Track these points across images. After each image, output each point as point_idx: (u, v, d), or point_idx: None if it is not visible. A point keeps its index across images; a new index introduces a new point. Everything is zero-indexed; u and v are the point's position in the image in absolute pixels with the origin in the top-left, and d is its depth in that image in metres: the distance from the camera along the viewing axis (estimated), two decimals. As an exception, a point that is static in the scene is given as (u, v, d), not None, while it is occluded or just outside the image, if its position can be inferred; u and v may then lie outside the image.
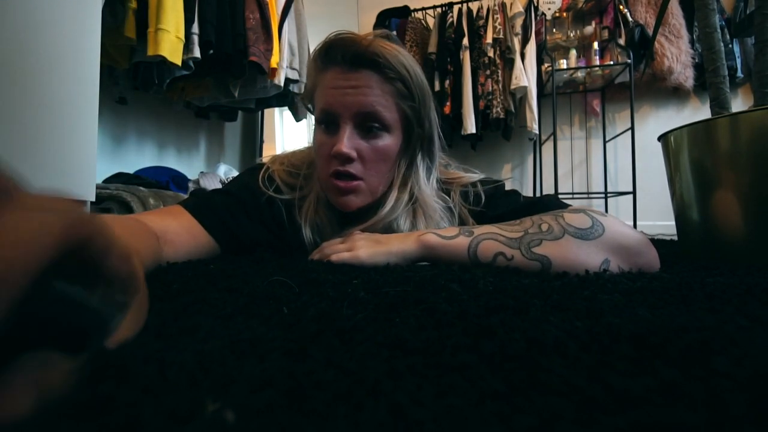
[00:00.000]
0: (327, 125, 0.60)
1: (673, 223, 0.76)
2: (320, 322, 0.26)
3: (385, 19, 2.83)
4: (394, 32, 2.70)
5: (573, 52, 2.60)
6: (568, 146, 2.80)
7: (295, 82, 2.11)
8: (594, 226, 0.49)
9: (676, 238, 0.81)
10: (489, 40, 2.54)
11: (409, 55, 0.61)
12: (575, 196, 2.70)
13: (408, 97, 0.60)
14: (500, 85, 2.53)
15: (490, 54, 2.55)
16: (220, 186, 0.67)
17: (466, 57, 2.59)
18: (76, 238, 0.16)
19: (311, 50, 2.33)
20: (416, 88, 0.60)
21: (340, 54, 0.58)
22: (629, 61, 2.39)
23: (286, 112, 2.58)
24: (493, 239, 0.50)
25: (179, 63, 1.45)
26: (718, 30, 0.79)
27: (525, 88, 2.47)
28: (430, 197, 0.64)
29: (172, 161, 2.15)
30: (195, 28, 1.53)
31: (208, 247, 0.56)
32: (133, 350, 0.21)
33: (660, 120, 2.61)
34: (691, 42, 2.44)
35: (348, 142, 0.57)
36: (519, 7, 2.59)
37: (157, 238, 0.45)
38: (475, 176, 0.70)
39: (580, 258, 0.47)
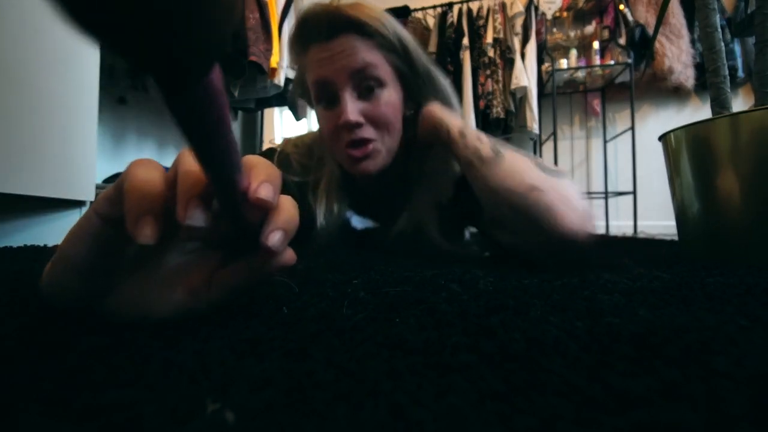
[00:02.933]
0: (327, 101, 0.59)
1: (673, 223, 0.76)
2: (320, 322, 0.26)
3: (385, 18, 2.83)
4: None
5: (573, 52, 2.60)
6: (569, 146, 2.80)
7: (296, 82, 2.10)
8: (552, 174, 0.50)
9: (676, 238, 0.81)
10: (489, 39, 2.54)
11: (376, 7, 0.60)
12: (575, 195, 2.70)
13: (391, 47, 0.59)
14: (500, 85, 2.53)
15: (490, 54, 2.55)
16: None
17: (466, 57, 2.59)
18: None
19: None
20: (394, 34, 0.59)
21: (314, 30, 0.57)
22: (629, 61, 2.39)
23: (286, 112, 2.58)
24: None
25: (179, 63, 1.45)
26: (719, 30, 0.79)
27: (525, 88, 2.46)
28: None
29: (172, 161, 2.15)
30: (195, 28, 1.52)
31: None
32: (134, 350, 0.21)
33: (660, 120, 2.61)
34: (692, 42, 2.44)
35: (351, 107, 0.57)
36: (519, 6, 2.59)
37: None
38: None
39: (522, 173, 0.49)
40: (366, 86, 0.58)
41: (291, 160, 0.65)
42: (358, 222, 0.69)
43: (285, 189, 0.63)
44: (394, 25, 0.60)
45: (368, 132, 0.58)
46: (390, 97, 0.59)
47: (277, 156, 0.66)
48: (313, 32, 0.57)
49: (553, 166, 0.53)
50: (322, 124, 0.61)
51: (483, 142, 0.53)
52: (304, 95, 0.67)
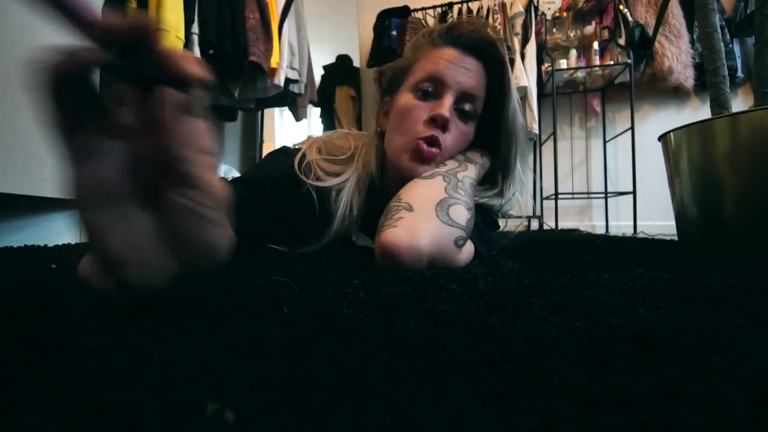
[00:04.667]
0: (425, 92, 0.60)
1: (673, 223, 0.76)
2: (320, 322, 0.26)
3: (385, 19, 2.83)
4: (395, 32, 2.70)
5: (573, 52, 2.60)
6: (568, 146, 2.80)
7: (295, 82, 2.11)
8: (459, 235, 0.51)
9: (676, 238, 0.81)
10: (489, 40, 2.53)
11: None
12: (575, 196, 2.70)
13: (496, 96, 0.62)
14: (500, 85, 2.53)
15: (490, 54, 2.54)
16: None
17: (466, 57, 2.59)
18: None
19: (311, 50, 2.30)
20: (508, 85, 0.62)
21: (463, 36, 0.60)
22: (629, 61, 2.38)
23: (286, 112, 2.58)
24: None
25: (179, 63, 1.45)
26: (719, 30, 0.79)
27: (525, 88, 2.46)
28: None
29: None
30: (195, 28, 1.52)
31: None
32: (134, 350, 0.21)
33: (660, 120, 2.61)
34: (692, 42, 2.44)
35: (450, 107, 0.58)
36: (519, 7, 2.58)
37: None
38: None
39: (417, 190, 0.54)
40: (463, 109, 0.60)
41: (313, 166, 0.65)
42: (359, 238, 0.69)
43: (303, 195, 0.63)
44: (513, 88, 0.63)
45: (445, 140, 0.59)
46: (470, 131, 0.62)
47: (298, 161, 0.65)
48: (460, 38, 0.61)
49: (465, 195, 0.55)
50: (408, 108, 0.60)
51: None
52: (392, 81, 0.66)
